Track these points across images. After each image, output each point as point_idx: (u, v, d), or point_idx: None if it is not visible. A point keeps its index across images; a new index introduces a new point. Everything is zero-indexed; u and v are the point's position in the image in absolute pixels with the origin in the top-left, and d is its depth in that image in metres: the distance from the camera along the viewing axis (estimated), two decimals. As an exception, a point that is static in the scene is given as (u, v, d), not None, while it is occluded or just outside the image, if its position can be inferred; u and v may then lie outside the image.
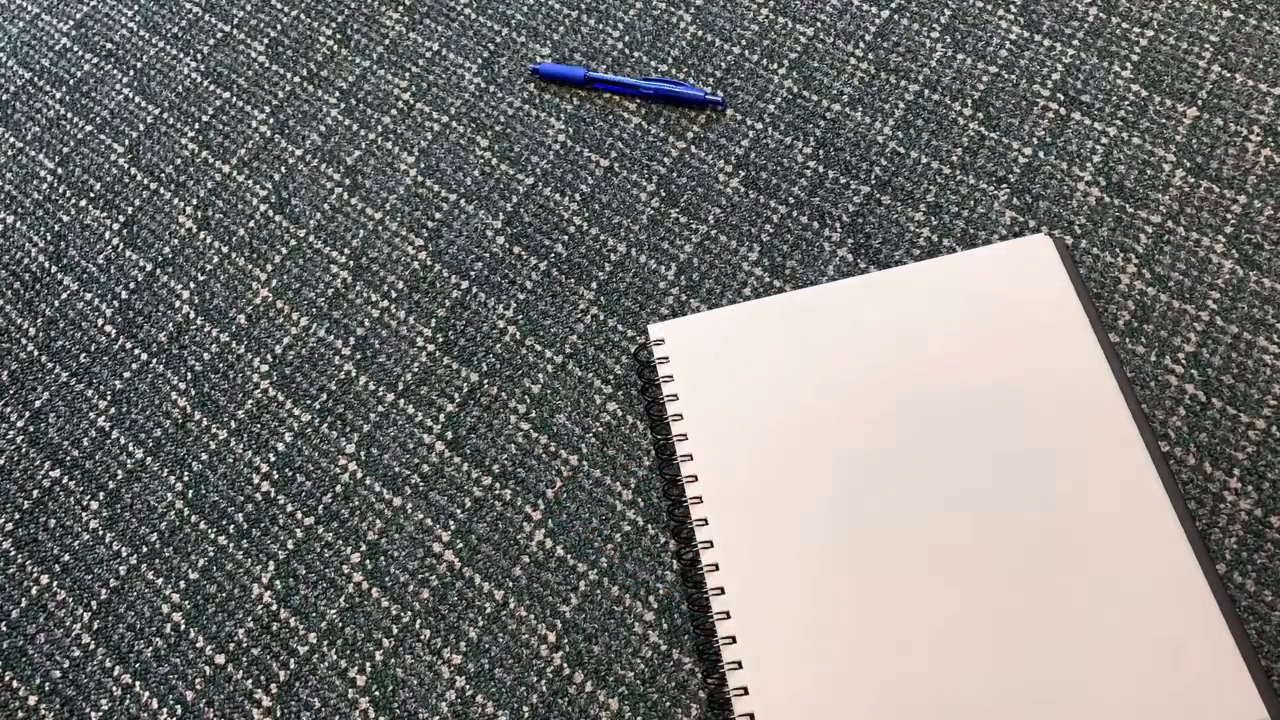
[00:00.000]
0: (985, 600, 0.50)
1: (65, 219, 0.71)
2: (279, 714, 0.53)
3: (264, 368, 0.63)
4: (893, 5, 0.71)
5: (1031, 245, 0.59)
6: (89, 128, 0.75)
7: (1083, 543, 0.50)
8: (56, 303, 0.68)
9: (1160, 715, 0.46)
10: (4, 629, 0.58)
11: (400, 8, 0.77)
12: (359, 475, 0.59)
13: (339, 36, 0.76)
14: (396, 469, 0.59)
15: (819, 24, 0.71)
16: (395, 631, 0.55)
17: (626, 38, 0.73)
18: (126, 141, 0.74)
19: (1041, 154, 0.64)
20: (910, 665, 0.49)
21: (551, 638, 0.54)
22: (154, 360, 0.65)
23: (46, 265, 0.69)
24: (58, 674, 0.56)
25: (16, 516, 0.61)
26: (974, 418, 0.54)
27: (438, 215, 0.67)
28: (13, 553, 0.60)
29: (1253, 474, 0.53)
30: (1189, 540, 0.50)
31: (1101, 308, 0.58)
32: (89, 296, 0.68)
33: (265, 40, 0.77)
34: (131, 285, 0.68)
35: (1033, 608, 0.49)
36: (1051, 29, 0.68)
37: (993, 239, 0.61)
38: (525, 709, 0.52)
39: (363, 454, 0.60)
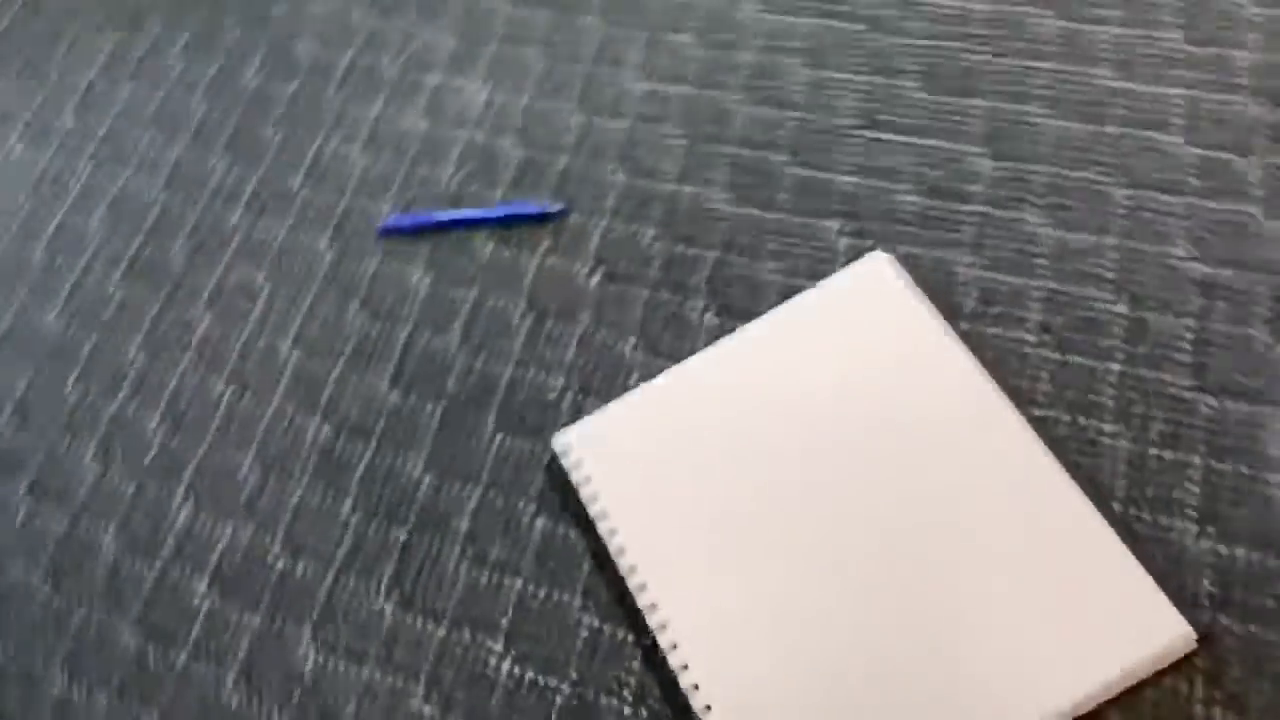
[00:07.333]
0: (907, 585, 0.54)
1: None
2: None
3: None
4: (698, 81, 0.76)
5: (869, 264, 0.64)
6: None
7: (986, 514, 0.54)
8: None
9: (1091, 652, 0.50)
10: None
11: (242, 204, 0.80)
12: (320, 661, 0.60)
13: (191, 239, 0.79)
14: (354, 644, 0.60)
15: (630, 115, 0.76)
16: (394, 801, 0.56)
17: (459, 174, 0.76)
18: None
19: (859, 178, 0.69)
20: (853, 681, 0.52)
21: (543, 760, 0.55)
22: None
23: None
24: None
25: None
26: (866, 431, 0.58)
27: (329, 390, 0.69)
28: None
29: (1120, 415, 0.58)
30: (1079, 487, 0.54)
31: (947, 301, 0.63)
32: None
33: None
34: None
35: (953, 586, 0.53)
36: (838, 64, 0.74)
37: (836, 268, 0.66)
38: (537, 836, 0.53)
39: (319, 639, 0.61)
